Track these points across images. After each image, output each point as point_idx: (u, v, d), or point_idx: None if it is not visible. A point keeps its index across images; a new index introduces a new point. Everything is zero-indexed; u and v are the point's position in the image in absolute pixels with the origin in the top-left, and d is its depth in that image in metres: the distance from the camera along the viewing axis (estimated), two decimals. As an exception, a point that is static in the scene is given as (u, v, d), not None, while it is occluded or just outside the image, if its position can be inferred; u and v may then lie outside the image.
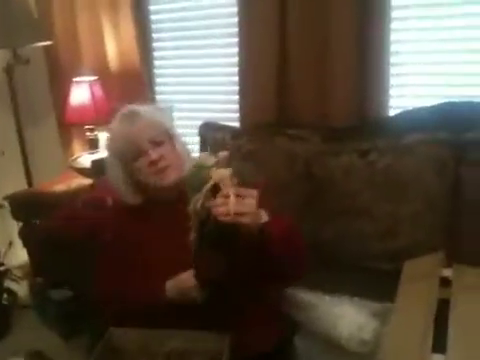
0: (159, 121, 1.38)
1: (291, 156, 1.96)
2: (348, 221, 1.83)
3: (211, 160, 1.04)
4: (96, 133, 2.64)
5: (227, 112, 2.40)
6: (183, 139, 1.44)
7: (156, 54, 2.56)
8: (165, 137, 1.37)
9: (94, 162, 2.39)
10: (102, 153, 2.59)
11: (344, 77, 1.99)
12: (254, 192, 1.04)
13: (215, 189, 1.01)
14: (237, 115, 2.28)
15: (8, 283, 2.43)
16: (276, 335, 1.35)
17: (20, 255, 2.68)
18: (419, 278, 1.41)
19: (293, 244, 1.17)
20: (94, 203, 1.86)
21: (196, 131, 2.27)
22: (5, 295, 2.40)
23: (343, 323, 1.40)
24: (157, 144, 1.34)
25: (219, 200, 1.00)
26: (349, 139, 1.90)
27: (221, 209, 0.99)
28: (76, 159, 2.61)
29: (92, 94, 2.50)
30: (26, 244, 2.33)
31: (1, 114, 2.80)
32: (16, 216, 2.36)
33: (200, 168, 1.04)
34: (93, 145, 2.66)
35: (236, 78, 2.24)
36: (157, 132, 1.36)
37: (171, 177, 1.33)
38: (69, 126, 2.72)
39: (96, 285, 1.42)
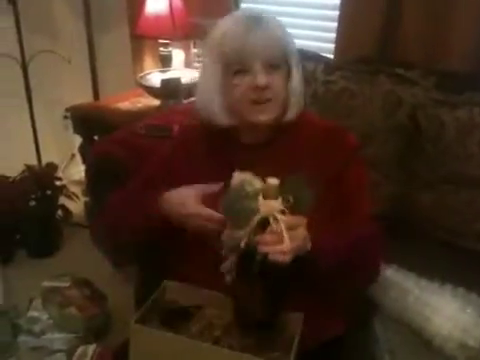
0: (284, 40, 1.07)
1: (393, 101, 1.63)
2: (453, 190, 1.51)
3: (256, 184, 0.89)
4: (170, 49, 2.38)
5: (319, 41, 2.11)
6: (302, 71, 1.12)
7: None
8: (282, 62, 1.07)
9: (164, 82, 2.18)
10: (175, 72, 2.36)
11: (471, 9, 1.62)
12: (303, 220, 0.91)
13: (263, 222, 0.88)
14: (331, 46, 1.98)
15: (63, 199, 2.31)
16: (345, 319, 1.13)
17: (80, 171, 2.58)
18: None
19: (357, 253, 1.02)
20: (157, 129, 1.65)
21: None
22: (59, 211, 2.30)
23: (441, 319, 1.12)
24: (270, 68, 1.05)
25: (270, 237, 0.87)
26: (470, 88, 1.54)
27: (276, 248, 0.86)
28: (145, 76, 2.38)
29: (170, 3, 2.22)
30: (85, 161, 2.21)
31: (71, 19, 2.62)
32: (76, 130, 2.25)
33: (241, 193, 0.87)
34: (165, 62, 2.40)
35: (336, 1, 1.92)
36: (276, 53, 1.05)
37: (270, 114, 1.07)
38: (142, 38, 2.47)
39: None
